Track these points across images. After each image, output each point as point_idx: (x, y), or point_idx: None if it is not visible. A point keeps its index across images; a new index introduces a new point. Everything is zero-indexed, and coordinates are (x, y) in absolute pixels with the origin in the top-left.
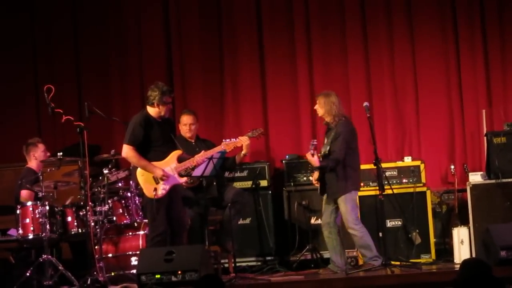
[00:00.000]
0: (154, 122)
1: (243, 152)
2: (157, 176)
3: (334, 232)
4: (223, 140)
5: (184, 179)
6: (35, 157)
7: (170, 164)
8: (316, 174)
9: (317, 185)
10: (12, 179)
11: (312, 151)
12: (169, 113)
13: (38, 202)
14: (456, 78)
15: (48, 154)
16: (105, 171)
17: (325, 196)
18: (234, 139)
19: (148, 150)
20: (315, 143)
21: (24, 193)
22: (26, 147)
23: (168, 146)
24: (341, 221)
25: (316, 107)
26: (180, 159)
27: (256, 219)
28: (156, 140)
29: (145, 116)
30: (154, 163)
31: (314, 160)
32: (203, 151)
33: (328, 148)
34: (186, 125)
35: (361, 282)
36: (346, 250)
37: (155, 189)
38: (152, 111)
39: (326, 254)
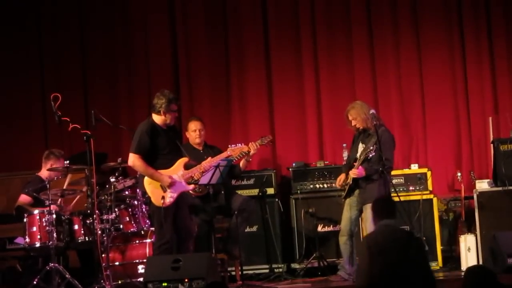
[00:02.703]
0: (160, 130)
1: (246, 159)
2: (165, 184)
3: (353, 241)
4: (229, 146)
5: (192, 186)
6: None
7: (177, 171)
8: (343, 176)
9: (340, 185)
10: (20, 188)
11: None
12: (175, 120)
13: (45, 210)
14: (463, 85)
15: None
16: (112, 179)
17: (348, 201)
18: (239, 144)
19: (154, 158)
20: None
21: (22, 197)
22: (48, 154)
23: (174, 154)
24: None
25: (354, 122)
26: (187, 166)
27: (263, 227)
28: (162, 148)
29: (151, 124)
30: (161, 171)
31: (361, 173)
32: (209, 158)
33: (367, 152)
34: (195, 131)
35: None
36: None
37: (163, 197)
38: (158, 119)
39: (333, 262)
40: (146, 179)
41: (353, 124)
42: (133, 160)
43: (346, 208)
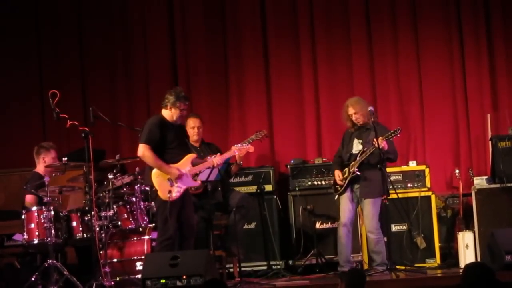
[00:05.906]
0: (169, 124)
1: (237, 162)
2: (173, 176)
3: (350, 234)
4: (234, 145)
5: (199, 181)
6: (45, 161)
7: (184, 166)
8: (339, 172)
9: (341, 181)
10: (18, 184)
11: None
12: (181, 120)
13: (43, 207)
14: (461, 82)
15: (57, 162)
16: (110, 176)
17: (345, 196)
18: (245, 145)
19: (162, 152)
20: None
21: (28, 197)
22: (38, 149)
23: (182, 149)
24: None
25: (355, 116)
26: (194, 163)
27: (261, 224)
28: (170, 142)
29: (161, 118)
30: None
31: (386, 145)
32: (218, 154)
33: (370, 147)
34: (193, 128)
35: (367, 287)
36: (351, 255)
37: (170, 191)
38: (166, 114)
39: (331, 259)
40: (154, 172)
41: (354, 119)
42: (143, 150)
43: (345, 202)
